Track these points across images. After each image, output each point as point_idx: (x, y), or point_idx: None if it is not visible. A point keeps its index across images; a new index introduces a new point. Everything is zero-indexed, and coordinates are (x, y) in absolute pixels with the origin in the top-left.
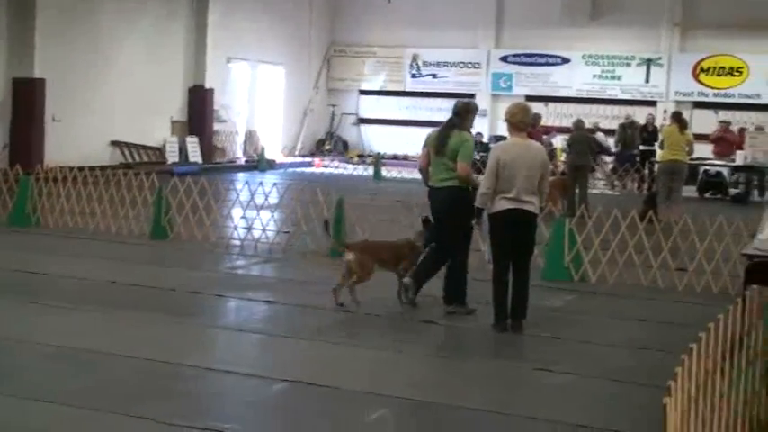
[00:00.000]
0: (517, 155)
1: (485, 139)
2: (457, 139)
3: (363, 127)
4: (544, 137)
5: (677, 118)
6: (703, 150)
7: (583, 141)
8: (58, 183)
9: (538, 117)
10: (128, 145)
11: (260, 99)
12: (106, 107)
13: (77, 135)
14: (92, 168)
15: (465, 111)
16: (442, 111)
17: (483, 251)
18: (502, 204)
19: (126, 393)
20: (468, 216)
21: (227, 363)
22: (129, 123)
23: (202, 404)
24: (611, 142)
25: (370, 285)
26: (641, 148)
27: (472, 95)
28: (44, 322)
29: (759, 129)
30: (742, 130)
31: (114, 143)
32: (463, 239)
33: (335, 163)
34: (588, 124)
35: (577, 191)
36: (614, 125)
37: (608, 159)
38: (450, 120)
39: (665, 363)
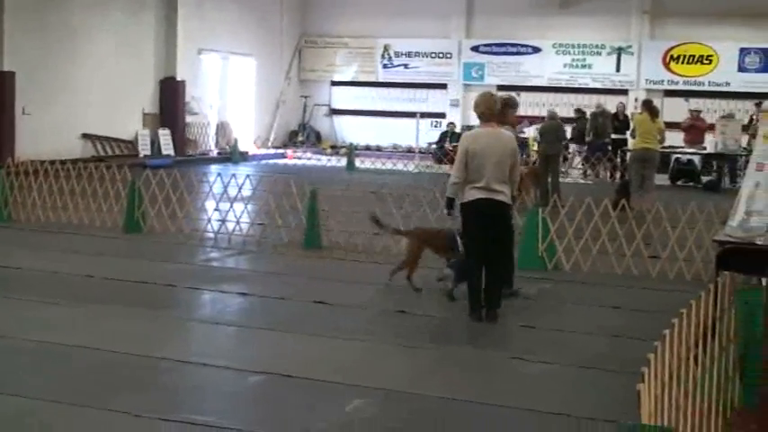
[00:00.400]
0: (486, 144)
1: (457, 129)
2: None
3: (336, 118)
4: (518, 126)
5: (648, 106)
6: (675, 138)
7: (553, 131)
8: (30, 176)
9: (515, 101)
10: (99, 138)
11: (232, 90)
12: (77, 100)
13: (48, 128)
14: (63, 162)
15: (504, 105)
16: (414, 101)
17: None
18: (472, 194)
19: (101, 387)
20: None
21: (202, 355)
22: (100, 116)
23: (179, 397)
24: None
25: (351, 275)
26: (613, 136)
27: (444, 86)
28: (17, 317)
29: (730, 116)
30: (723, 118)
31: (86, 136)
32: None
33: (308, 154)
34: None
35: (549, 180)
36: (575, 113)
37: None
38: None
39: (640, 350)
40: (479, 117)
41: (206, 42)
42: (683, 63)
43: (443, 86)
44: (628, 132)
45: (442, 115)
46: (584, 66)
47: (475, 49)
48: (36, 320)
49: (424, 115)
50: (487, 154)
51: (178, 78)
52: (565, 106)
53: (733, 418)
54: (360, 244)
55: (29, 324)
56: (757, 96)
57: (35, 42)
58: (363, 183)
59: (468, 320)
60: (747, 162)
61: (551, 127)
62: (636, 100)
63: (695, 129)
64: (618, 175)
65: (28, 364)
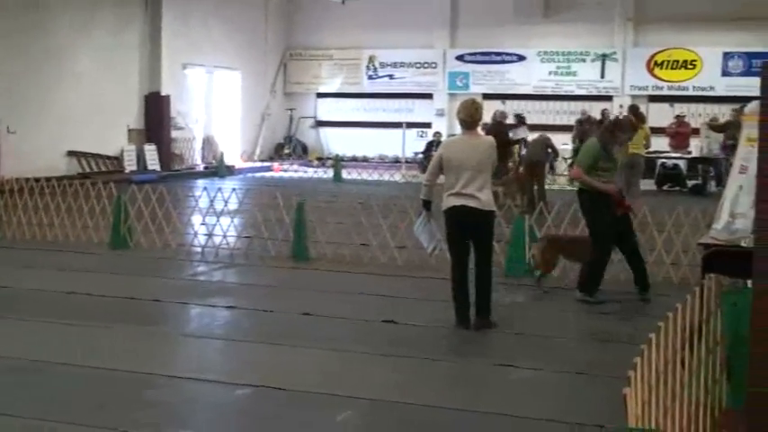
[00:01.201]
0: (460, 150)
1: (443, 138)
2: (583, 146)
3: (322, 130)
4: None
5: (634, 112)
6: (660, 143)
7: (539, 139)
8: (15, 194)
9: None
10: (85, 155)
11: (217, 105)
12: (62, 117)
13: (33, 146)
14: (48, 179)
15: (614, 126)
16: (399, 111)
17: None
18: (450, 201)
19: (88, 404)
20: (600, 213)
21: (190, 370)
22: (85, 133)
23: (167, 412)
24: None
25: (339, 286)
26: None
27: (429, 95)
28: (1, 334)
29: (715, 119)
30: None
31: (71, 153)
32: (607, 232)
33: (295, 167)
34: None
35: (536, 187)
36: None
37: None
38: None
39: (629, 354)
40: (460, 124)
41: (191, 57)
42: (667, 68)
43: (429, 96)
44: None
45: (428, 125)
46: (569, 73)
47: (459, 58)
48: (19, 338)
49: (409, 125)
50: (462, 161)
51: (163, 93)
52: (551, 113)
53: (720, 419)
54: (347, 255)
55: (11, 341)
56: (741, 100)
57: (19, 61)
58: (350, 194)
59: (455, 329)
60: (731, 165)
61: (537, 136)
62: (621, 106)
63: (680, 134)
64: None
65: (12, 382)
